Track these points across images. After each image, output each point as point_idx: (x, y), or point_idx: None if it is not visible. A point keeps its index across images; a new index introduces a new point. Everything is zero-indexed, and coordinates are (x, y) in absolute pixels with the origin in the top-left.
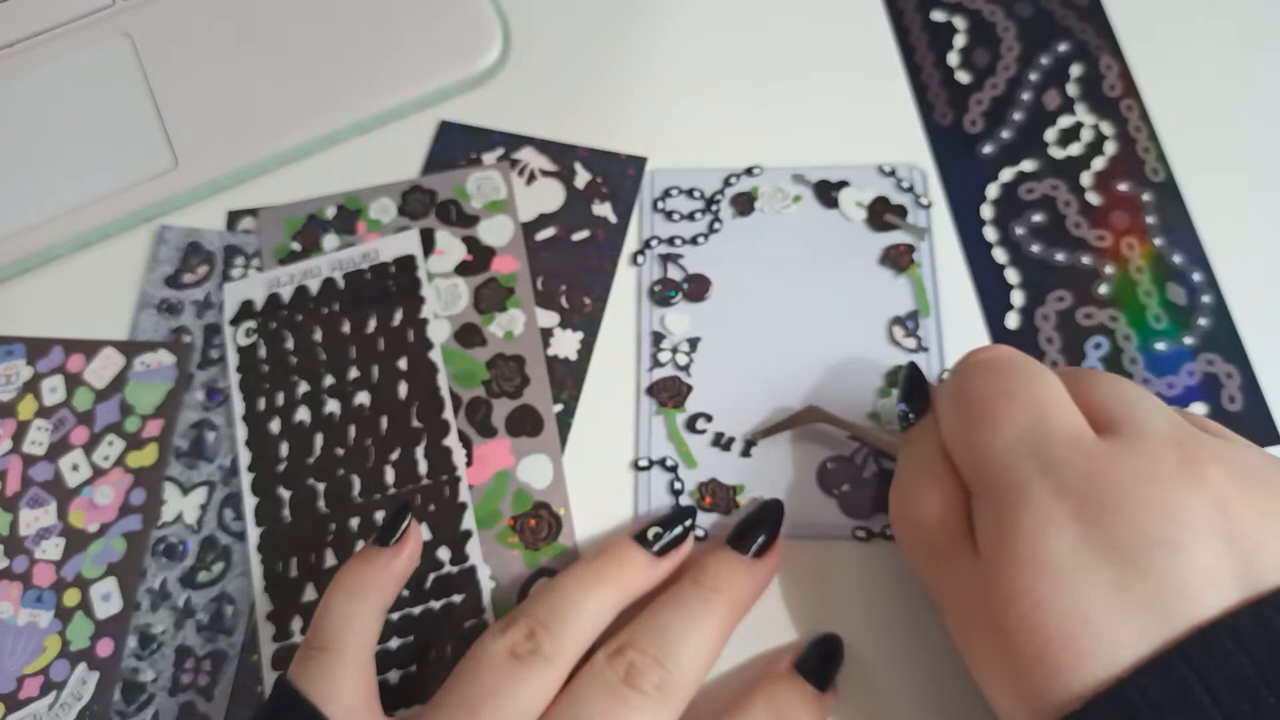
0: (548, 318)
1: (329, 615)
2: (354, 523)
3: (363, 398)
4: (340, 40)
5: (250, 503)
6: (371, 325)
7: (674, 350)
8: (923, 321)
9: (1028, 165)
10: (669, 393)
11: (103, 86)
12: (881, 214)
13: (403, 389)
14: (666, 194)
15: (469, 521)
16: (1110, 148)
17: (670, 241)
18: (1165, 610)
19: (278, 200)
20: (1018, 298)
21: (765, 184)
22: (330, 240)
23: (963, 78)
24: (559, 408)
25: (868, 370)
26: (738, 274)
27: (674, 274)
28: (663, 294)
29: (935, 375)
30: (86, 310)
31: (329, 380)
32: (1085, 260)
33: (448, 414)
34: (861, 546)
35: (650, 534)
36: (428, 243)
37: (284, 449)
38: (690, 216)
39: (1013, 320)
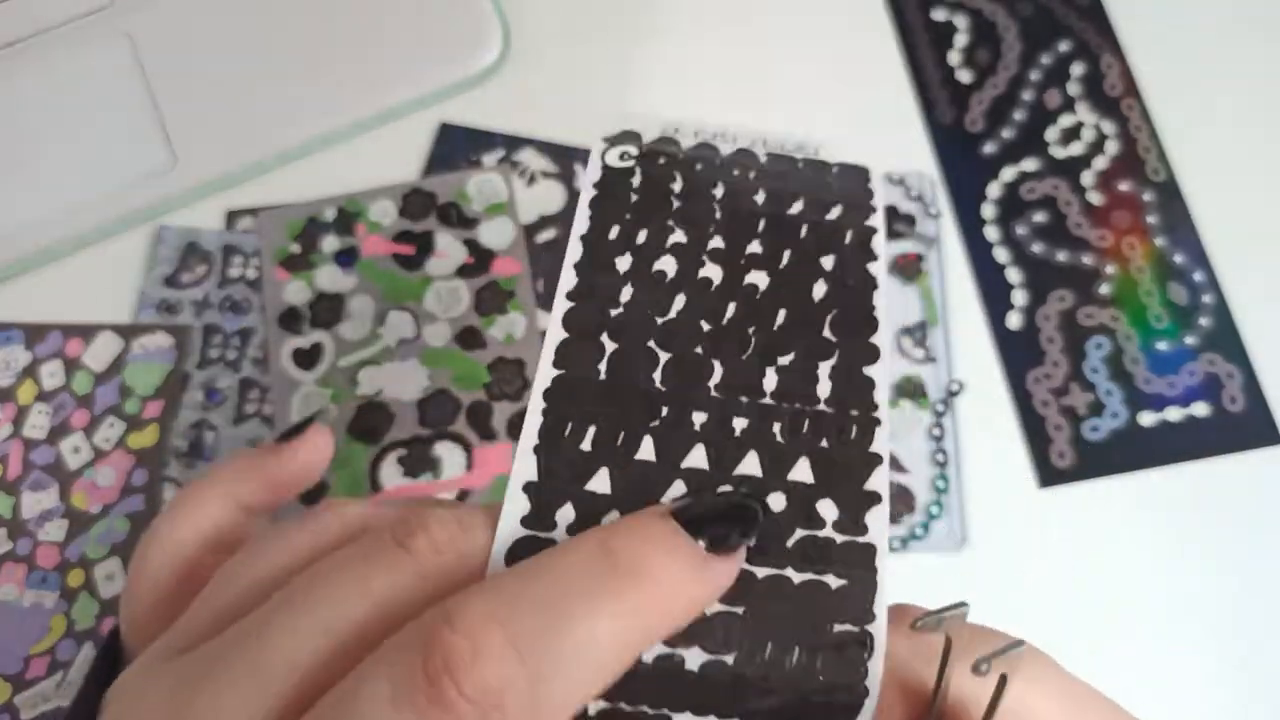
0: (548, 319)
1: (175, 495)
2: (698, 418)
3: (758, 278)
4: (339, 40)
5: (556, 336)
6: (797, 206)
7: None
8: (931, 331)
9: (1029, 165)
10: None
11: (102, 86)
12: (890, 223)
13: (819, 289)
14: None
15: (880, 482)
16: (1111, 147)
17: None
18: None
19: (277, 200)
20: (1019, 297)
21: None
22: (330, 242)
23: (964, 77)
24: None
25: None
26: None
27: None
28: None
29: (943, 384)
30: (86, 310)
31: (716, 242)
32: (1086, 260)
33: (881, 339)
34: None
35: (688, 511)
36: (426, 246)
37: (626, 293)
38: None
39: (1014, 320)
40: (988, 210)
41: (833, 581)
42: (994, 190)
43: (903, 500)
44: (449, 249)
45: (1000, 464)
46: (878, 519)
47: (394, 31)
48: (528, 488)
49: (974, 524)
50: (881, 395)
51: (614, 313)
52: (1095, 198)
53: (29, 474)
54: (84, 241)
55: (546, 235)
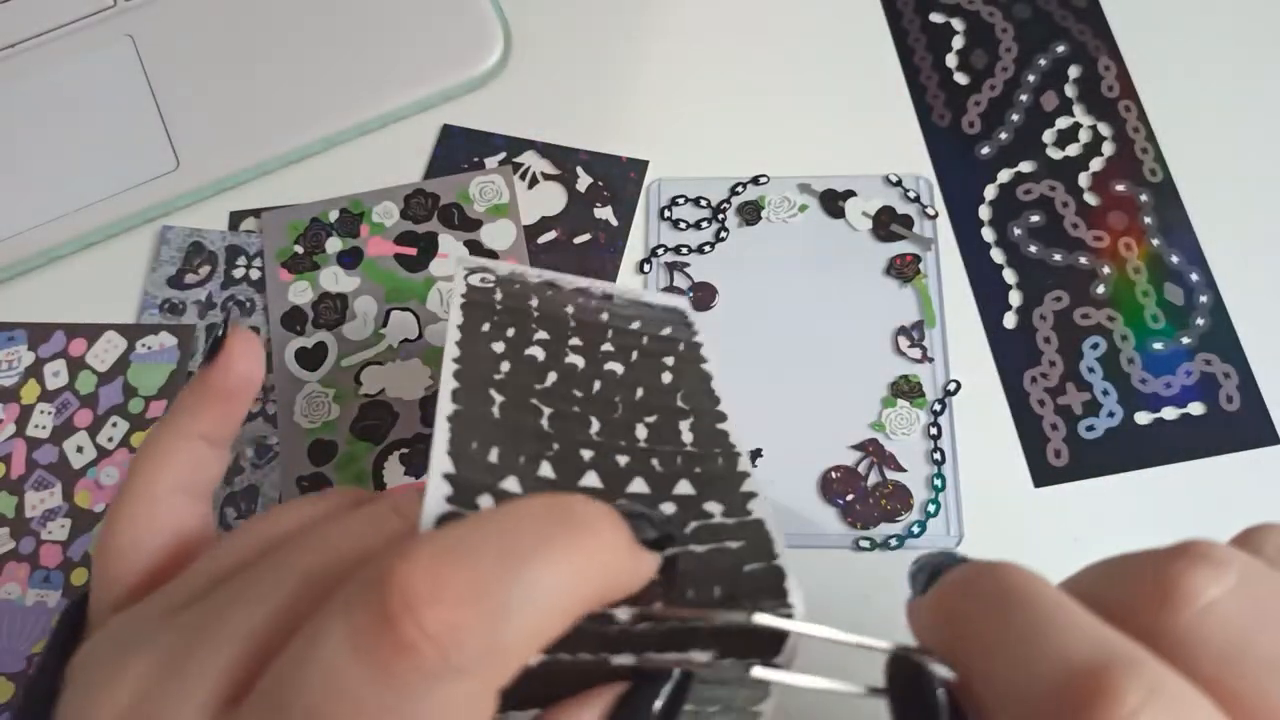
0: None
1: (139, 450)
2: (585, 454)
3: (615, 367)
4: (342, 42)
5: (449, 386)
6: (636, 324)
7: None
8: (928, 332)
9: (1025, 166)
10: None
11: (105, 87)
12: (887, 224)
13: (666, 376)
14: (673, 202)
15: (753, 486)
16: (1108, 148)
17: (677, 250)
18: None
19: (279, 201)
20: (1015, 298)
21: (772, 193)
22: (333, 243)
23: (961, 79)
24: None
25: (873, 380)
26: (743, 283)
27: (680, 282)
28: None
29: (939, 385)
30: (89, 310)
31: (575, 340)
32: (1083, 260)
33: (724, 407)
34: (864, 557)
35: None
36: (428, 247)
37: (504, 365)
38: (697, 225)
39: (1010, 320)
40: (984, 211)
41: (731, 544)
42: (990, 191)
43: (899, 498)
44: (451, 250)
45: (996, 463)
46: (758, 505)
47: (396, 34)
48: (447, 476)
49: (970, 522)
50: (736, 439)
51: (497, 376)
52: (1092, 199)
53: (32, 473)
54: (88, 242)
55: (548, 236)
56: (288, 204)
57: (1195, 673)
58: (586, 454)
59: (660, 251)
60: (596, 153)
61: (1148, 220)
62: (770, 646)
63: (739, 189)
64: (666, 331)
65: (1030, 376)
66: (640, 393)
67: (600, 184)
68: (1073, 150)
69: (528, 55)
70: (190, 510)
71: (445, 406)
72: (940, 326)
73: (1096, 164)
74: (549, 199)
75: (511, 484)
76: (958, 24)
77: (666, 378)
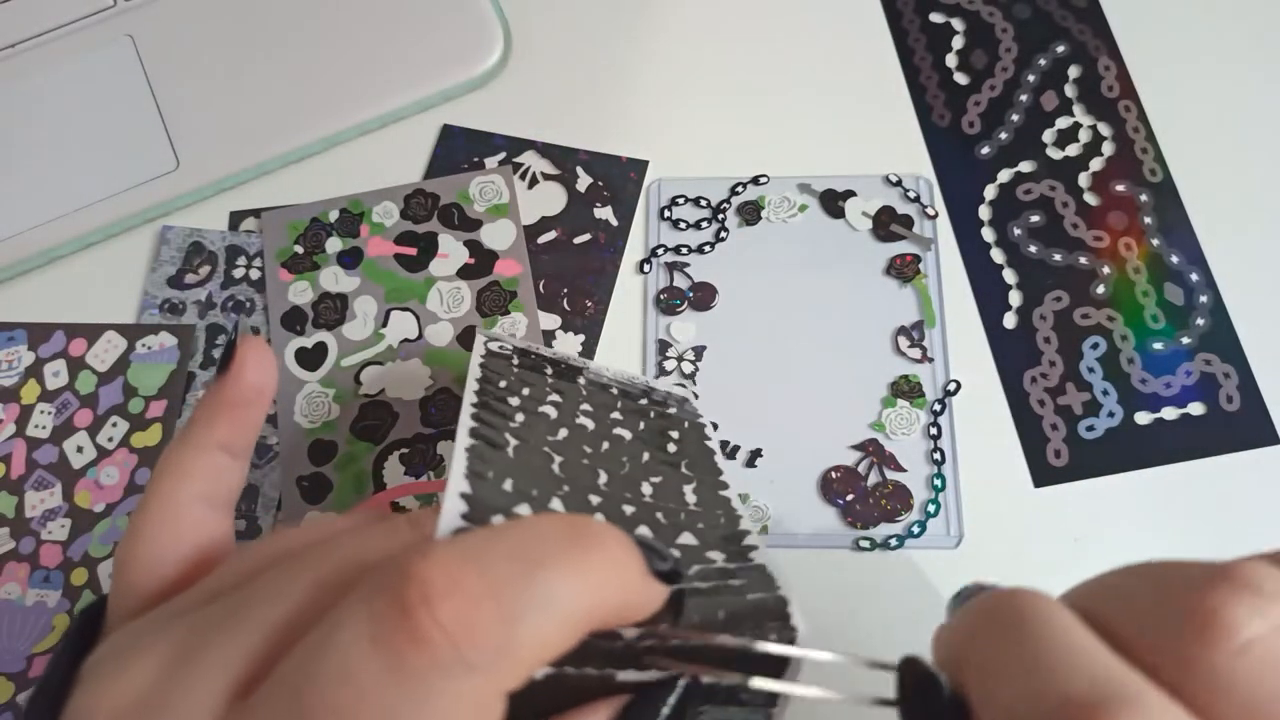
0: (549, 320)
1: (158, 464)
2: (594, 499)
3: (622, 432)
4: (342, 42)
5: (468, 423)
6: (644, 401)
7: (680, 358)
8: (928, 332)
9: (1025, 166)
10: None
11: (105, 87)
12: (888, 224)
13: (671, 446)
14: (673, 202)
15: (754, 540)
16: (1108, 148)
17: (677, 250)
18: None
19: (279, 201)
20: (1015, 298)
21: (771, 193)
22: (333, 243)
23: (961, 79)
24: None
25: (873, 379)
26: (743, 283)
27: (680, 283)
28: (669, 302)
29: (939, 385)
30: (89, 310)
31: (585, 406)
32: (1083, 260)
33: (725, 479)
34: (864, 557)
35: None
36: (428, 247)
37: (519, 417)
38: (697, 225)
39: (1010, 320)
40: (984, 211)
41: (734, 582)
42: (990, 191)
43: (900, 498)
44: (451, 250)
45: (996, 463)
46: (759, 555)
47: (396, 34)
48: (464, 496)
49: (970, 522)
50: (736, 504)
51: (512, 424)
52: (1091, 199)
53: (32, 473)
54: (87, 242)
55: (548, 236)
56: (288, 204)
57: (1221, 716)
58: (595, 499)
59: (660, 251)
60: (596, 153)
61: (1148, 220)
62: (774, 670)
63: (739, 189)
64: (672, 411)
65: (1030, 376)
66: (646, 456)
67: (600, 184)
68: (1073, 150)
69: (528, 55)
70: (211, 520)
71: (464, 439)
72: (940, 326)
73: (1096, 164)
74: (549, 199)
75: (524, 510)
76: (958, 24)
77: (671, 448)
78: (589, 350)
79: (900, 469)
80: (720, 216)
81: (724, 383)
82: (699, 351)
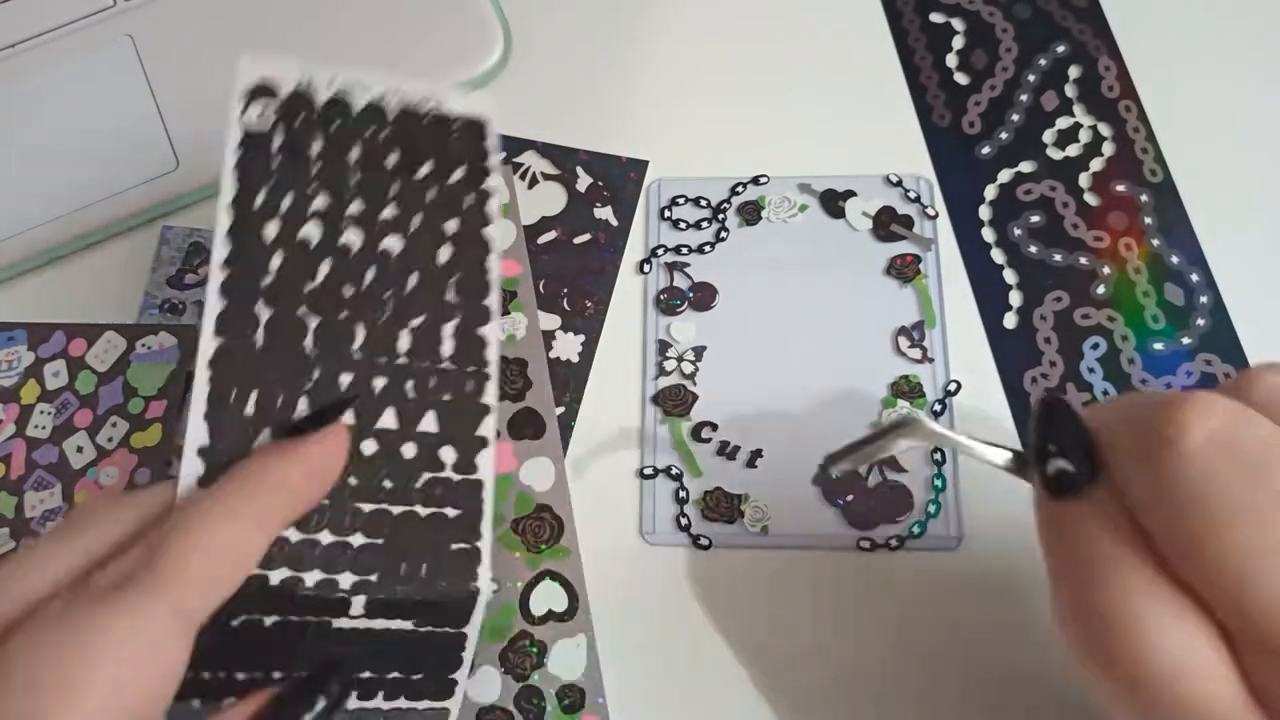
0: (549, 320)
1: (200, 545)
2: (344, 379)
3: (393, 243)
4: (342, 42)
5: (215, 306)
6: (425, 170)
7: (680, 359)
8: (928, 332)
9: (1025, 166)
10: (674, 401)
11: (104, 87)
12: (888, 224)
13: (444, 253)
14: (673, 202)
15: (488, 429)
16: (1108, 148)
17: (677, 250)
18: None
19: None
20: (1015, 298)
21: (772, 193)
22: None
23: (961, 79)
24: (560, 410)
25: (873, 380)
26: (743, 283)
27: (680, 283)
28: (669, 302)
29: (940, 385)
30: (89, 310)
31: (356, 206)
32: (1083, 260)
33: (492, 301)
34: (865, 557)
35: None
36: None
37: (275, 261)
38: (697, 225)
39: (1010, 320)
40: (984, 211)
41: (450, 512)
42: (991, 191)
43: (900, 499)
44: None
45: None
46: (485, 460)
47: (397, 34)
48: (201, 451)
49: (970, 523)
50: (491, 354)
51: (265, 281)
52: (1092, 199)
53: (32, 473)
54: (88, 242)
55: (548, 236)
56: None
57: (1169, 512)
58: (345, 379)
59: (660, 251)
60: (596, 153)
61: (1148, 220)
62: (460, 618)
63: (739, 189)
64: (458, 176)
65: (1030, 377)
66: (413, 281)
67: (600, 184)
68: (1073, 150)
69: (528, 55)
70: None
71: (207, 344)
72: (940, 326)
73: (1097, 164)
74: (549, 199)
75: (264, 438)
76: (958, 24)
77: (445, 254)
78: (589, 350)
79: (900, 469)
80: (720, 216)
81: (724, 383)
82: (699, 351)
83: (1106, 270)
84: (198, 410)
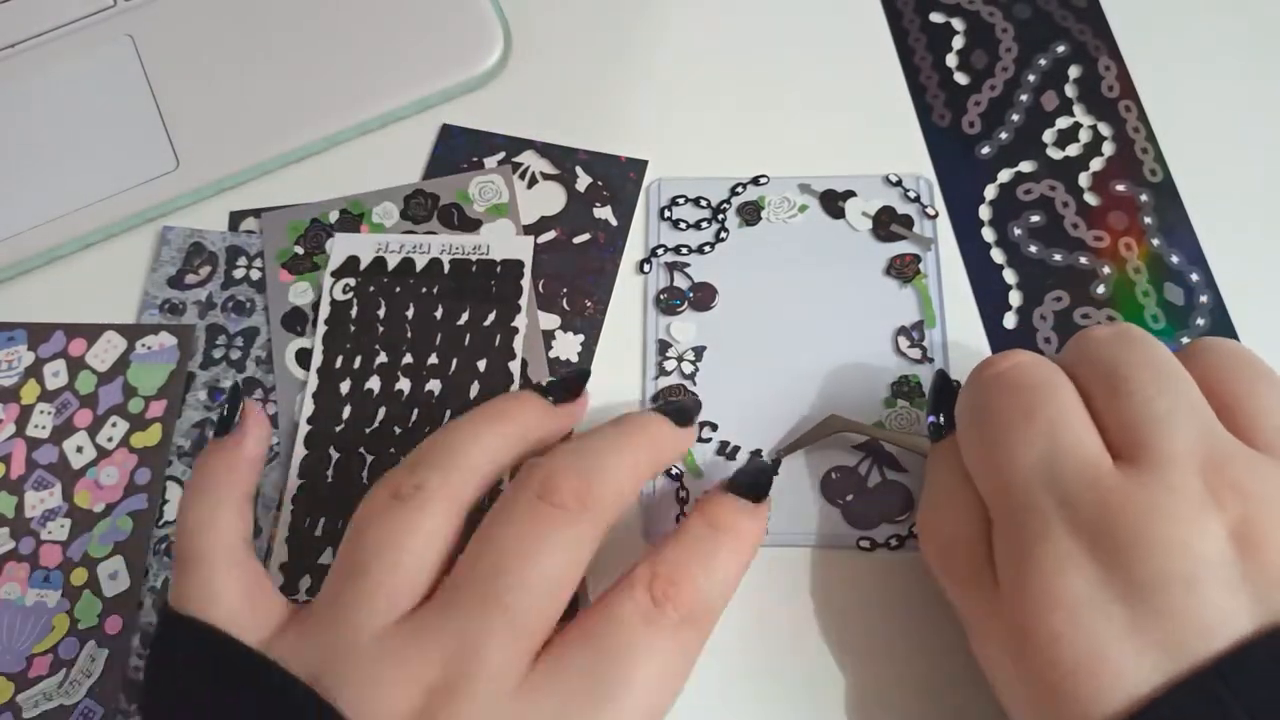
0: (549, 320)
1: (187, 524)
2: None
3: (434, 385)
4: (342, 42)
5: (299, 453)
6: (464, 318)
7: (680, 359)
8: (928, 332)
9: (1025, 166)
10: None
11: (104, 87)
12: (888, 224)
13: (474, 389)
14: (673, 202)
15: None
16: (1108, 148)
17: (677, 250)
18: (1181, 648)
19: (279, 201)
20: (1015, 298)
21: (772, 193)
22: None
23: (961, 79)
24: None
25: (874, 380)
26: (744, 283)
27: (680, 283)
28: (669, 302)
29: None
30: (89, 310)
31: (407, 359)
32: (1083, 260)
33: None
34: (865, 557)
35: (545, 383)
36: None
37: (346, 411)
38: (697, 225)
39: (1010, 320)
40: (984, 211)
41: None
42: (991, 191)
43: (900, 499)
44: None
45: None
46: None
47: (396, 34)
48: (281, 567)
49: None
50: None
51: (337, 429)
52: (1092, 199)
53: (32, 473)
54: (87, 242)
55: (547, 236)
56: (288, 204)
57: (963, 422)
58: None
59: (660, 251)
60: (596, 152)
61: (1148, 220)
62: None
63: (739, 189)
64: (490, 320)
65: None
66: (447, 417)
67: (600, 184)
68: (1073, 150)
69: (528, 55)
70: (250, 552)
71: (293, 483)
72: (940, 326)
73: (1097, 164)
74: (548, 199)
75: (328, 555)
76: (958, 24)
77: (474, 390)
78: (589, 350)
79: (901, 469)
80: (720, 216)
81: (724, 383)
82: (699, 351)
83: (1106, 270)
84: (281, 535)
